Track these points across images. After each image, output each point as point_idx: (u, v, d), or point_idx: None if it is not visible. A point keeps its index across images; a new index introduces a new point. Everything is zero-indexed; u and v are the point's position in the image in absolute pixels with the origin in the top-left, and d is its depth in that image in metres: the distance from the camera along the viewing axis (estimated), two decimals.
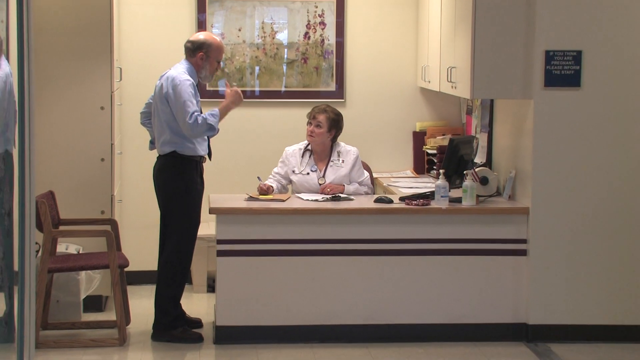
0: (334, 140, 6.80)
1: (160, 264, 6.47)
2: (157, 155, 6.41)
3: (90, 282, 6.91)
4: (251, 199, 6.44)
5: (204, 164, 6.46)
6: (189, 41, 6.43)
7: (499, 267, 6.35)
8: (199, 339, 6.35)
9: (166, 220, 6.42)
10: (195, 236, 6.49)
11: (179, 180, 6.32)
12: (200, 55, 6.34)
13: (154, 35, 7.80)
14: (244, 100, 7.84)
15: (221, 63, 6.57)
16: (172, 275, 6.42)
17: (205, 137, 6.39)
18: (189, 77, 6.25)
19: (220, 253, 6.26)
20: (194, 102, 6.16)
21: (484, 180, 6.52)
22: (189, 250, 6.46)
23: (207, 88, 7.66)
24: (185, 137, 6.24)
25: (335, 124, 6.75)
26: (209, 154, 6.51)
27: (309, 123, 6.76)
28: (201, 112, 6.28)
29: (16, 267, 3.69)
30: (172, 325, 6.38)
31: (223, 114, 6.32)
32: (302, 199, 6.48)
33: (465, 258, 6.34)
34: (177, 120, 6.20)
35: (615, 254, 6.34)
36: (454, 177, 6.54)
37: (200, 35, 6.47)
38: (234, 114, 7.76)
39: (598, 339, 6.35)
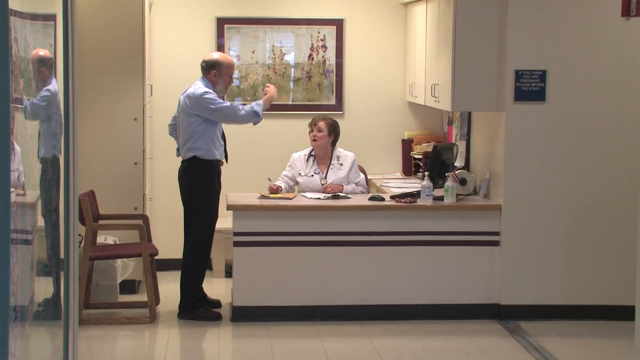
0: (333, 144, 6.81)
1: (184, 253, 6.48)
2: (181, 159, 6.42)
3: (125, 268, 6.92)
4: (263, 197, 6.45)
5: (221, 167, 6.47)
6: (203, 61, 6.43)
7: (476, 255, 6.36)
8: (218, 317, 6.36)
9: (189, 215, 6.43)
10: (214, 229, 6.50)
11: (199, 181, 6.32)
12: (214, 72, 6.35)
13: (180, 57, 7.81)
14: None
15: (234, 79, 6.58)
16: (195, 263, 6.43)
17: (222, 143, 6.41)
18: (210, 90, 6.27)
19: (236, 244, 6.27)
20: (224, 101, 6.20)
21: (462, 181, 6.53)
22: (209, 241, 6.47)
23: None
24: (205, 144, 6.25)
25: (333, 129, 6.77)
26: (226, 158, 6.53)
27: (311, 130, 6.77)
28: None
29: (62, 256, 3.70)
30: (195, 305, 6.39)
31: (266, 104, 6.45)
32: (307, 197, 6.49)
33: (447, 248, 6.35)
34: (219, 120, 6.26)
35: (575, 244, 6.35)
36: (437, 178, 6.56)
37: (214, 55, 6.47)
38: (248, 125, 7.81)
39: (560, 317, 6.36)
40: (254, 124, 6.45)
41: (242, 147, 7.82)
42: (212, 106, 6.17)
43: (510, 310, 6.36)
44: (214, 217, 6.45)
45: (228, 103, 6.32)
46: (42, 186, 3.22)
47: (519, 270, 6.34)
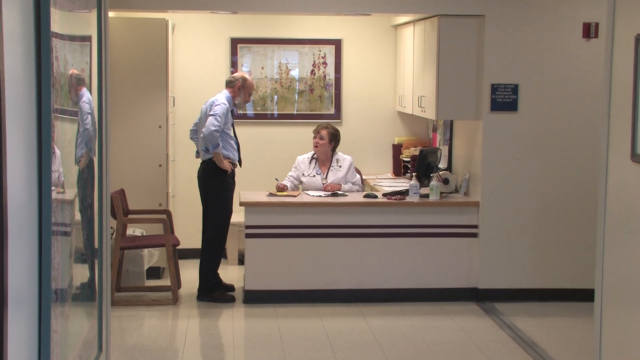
0: (333, 150, 6.82)
1: (203, 244, 6.49)
2: (201, 161, 6.44)
3: (151, 257, 6.94)
4: (271, 195, 6.46)
5: (235, 169, 6.49)
6: (230, 76, 6.48)
7: (457, 246, 6.38)
8: (232, 300, 6.38)
9: (207, 211, 6.45)
10: (229, 223, 6.52)
11: (216, 181, 6.34)
12: (238, 86, 6.37)
13: (198, 72, 7.83)
14: (266, 121, 7.95)
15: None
16: (212, 252, 6.44)
17: (236, 147, 6.42)
18: (226, 102, 6.28)
19: (248, 235, 6.28)
20: (222, 121, 6.16)
21: (445, 181, 6.55)
22: (224, 233, 6.49)
23: (237, 112, 7.68)
24: (223, 148, 6.27)
25: (334, 137, 6.78)
26: (239, 161, 6.54)
27: (315, 137, 6.78)
28: (234, 132, 6.35)
29: (96, 246, 3.72)
30: (211, 289, 6.40)
31: (218, 157, 6.23)
32: (310, 195, 6.50)
33: (432, 239, 6.36)
34: (203, 121, 6.22)
35: (542, 235, 6.37)
36: (423, 178, 6.56)
37: (239, 74, 6.53)
38: (258, 132, 7.85)
39: (530, 299, 6.37)
40: (206, 148, 6.18)
41: (253, 151, 7.83)
42: (212, 112, 6.20)
43: (486, 293, 6.38)
44: (229, 212, 6.47)
45: (219, 129, 6.19)
46: (79, 185, 3.24)
47: (494, 258, 6.35)
